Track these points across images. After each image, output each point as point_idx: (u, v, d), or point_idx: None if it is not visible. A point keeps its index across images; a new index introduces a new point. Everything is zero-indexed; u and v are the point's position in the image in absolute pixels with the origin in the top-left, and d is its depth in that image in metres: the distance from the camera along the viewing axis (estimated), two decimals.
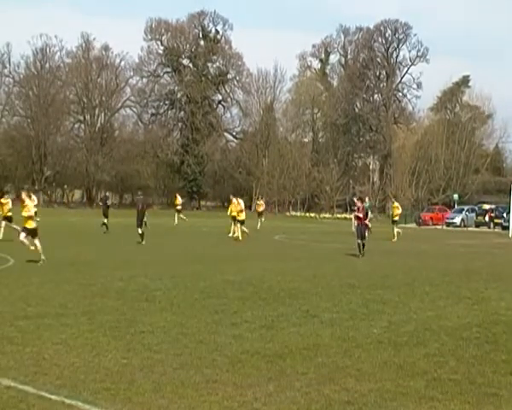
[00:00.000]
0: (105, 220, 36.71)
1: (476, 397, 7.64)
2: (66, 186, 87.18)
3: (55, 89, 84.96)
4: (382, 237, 36.84)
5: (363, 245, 25.14)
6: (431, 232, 52.23)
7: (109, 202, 42.09)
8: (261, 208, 47.56)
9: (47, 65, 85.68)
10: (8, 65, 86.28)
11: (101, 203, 42.49)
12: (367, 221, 26.92)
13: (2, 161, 79.92)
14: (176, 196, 49.73)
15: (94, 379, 7.92)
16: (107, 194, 53.35)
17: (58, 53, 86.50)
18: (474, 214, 63.45)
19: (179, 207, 47.81)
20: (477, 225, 60.75)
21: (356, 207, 27.15)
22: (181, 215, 46.58)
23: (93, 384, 7.72)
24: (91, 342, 9.71)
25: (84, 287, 15.07)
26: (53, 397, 7.21)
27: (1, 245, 24.95)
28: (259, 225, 43.06)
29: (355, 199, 30.79)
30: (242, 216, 33.19)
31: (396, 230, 37.18)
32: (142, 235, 28.66)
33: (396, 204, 39.42)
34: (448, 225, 62.36)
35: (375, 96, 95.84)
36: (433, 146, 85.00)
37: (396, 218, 38.22)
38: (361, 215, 25.97)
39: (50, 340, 9.78)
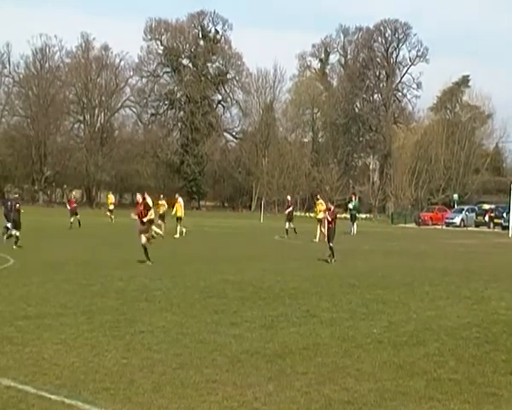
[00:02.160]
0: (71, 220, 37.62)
1: (476, 397, 7.64)
2: (65, 186, 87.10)
3: (55, 89, 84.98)
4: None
5: (332, 249, 22.87)
6: (431, 232, 52.23)
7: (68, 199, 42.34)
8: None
9: (47, 65, 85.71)
10: (7, 65, 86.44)
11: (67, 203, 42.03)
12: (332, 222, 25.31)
13: (2, 161, 79.93)
14: (109, 196, 48.04)
15: (94, 379, 7.91)
16: (74, 193, 51.68)
17: (58, 53, 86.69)
18: (473, 214, 63.41)
19: (111, 207, 46.71)
20: (477, 225, 60.72)
21: (327, 210, 24.36)
22: (112, 216, 45.38)
23: (93, 384, 7.71)
24: (91, 342, 9.70)
25: (84, 287, 15.07)
26: (53, 397, 7.21)
27: (1, 245, 24.92)
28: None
29: (320, 200, 28.87)
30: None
31: (318, 230, 32.63)
32: (16, 238, 24.80)
33: (320, 201, 34.79)
34: (448, 224, 62.34)
35: (375, 95, 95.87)
36: (433, 146, 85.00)
37: (320, 216, 32.73)
38: (330, 218, 23.38)
39: (50, 340, 9.78)
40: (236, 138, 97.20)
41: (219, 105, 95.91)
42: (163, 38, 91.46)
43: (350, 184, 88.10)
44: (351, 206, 42.69)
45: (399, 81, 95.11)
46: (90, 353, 9.12)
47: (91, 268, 18.66)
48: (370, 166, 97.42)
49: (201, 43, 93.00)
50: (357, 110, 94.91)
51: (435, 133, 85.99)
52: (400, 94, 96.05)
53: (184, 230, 33.95)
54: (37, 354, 8.99)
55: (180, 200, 35.66)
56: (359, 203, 46.27)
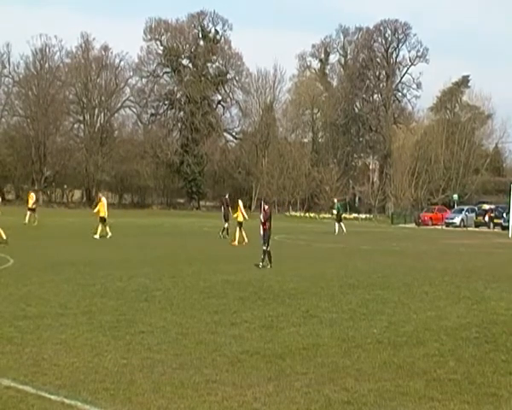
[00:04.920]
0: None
1: (476, 397, 7.64)
2: (65, 186, 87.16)
3: (55, 89, 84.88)
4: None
5: (269, 253, 20.95)
6: (430, 232, 52.25)
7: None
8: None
9: (46, 65, 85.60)
10: (7, 65, 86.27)
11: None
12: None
13: (2, 161, 79.87)
14: (30, 195, 43.24)
15: (93, 379, 7.92)
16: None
17: (58, 53, 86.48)
18: (473, 214, 63.40)
19: (34, 207, 41.78)
20: (477, 226, 60.70)
21: (262, 211, 22.11)
22: (35, 215, 40.97)
23: (92, 384, 7.72)
24: (91, 343, 9.71)
25: (84, 287, 15.08)
26: (52, 397, 7.23)
27: (0, 245, 24.93)
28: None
29: (262, 202, 25.62)
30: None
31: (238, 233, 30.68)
32: None
33: (240, 204, 32.25)
34: (448, 225, 62.33)
35: (375, 96, 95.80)
36: (433, 146, 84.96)
37: (240, 220, 30.89)
38: (263, 220, 21.63)
39: (50, 340, 9.79)
40: (236, 138, 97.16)
41: (219, 105, 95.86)
42: (163, 38, 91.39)
43: (350, 185, 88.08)
44: (335, 211, 44.28)
45: (399, 81, 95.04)
46: (89, 353, 9.13)
47: (91, 268, 18.66)
48: (370, 167, 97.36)
49: (201, 43, 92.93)
50: (356, 110, 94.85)
51: (435, 133, 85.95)
52: (400, 94, 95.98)
53: (109, 233, 31.34)
54: (37, 354, 9.00)
55: (103, 199, 33.40)
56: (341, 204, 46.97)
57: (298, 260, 24.22)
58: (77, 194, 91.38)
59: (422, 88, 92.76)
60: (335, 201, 46.15)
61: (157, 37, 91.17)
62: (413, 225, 64.93)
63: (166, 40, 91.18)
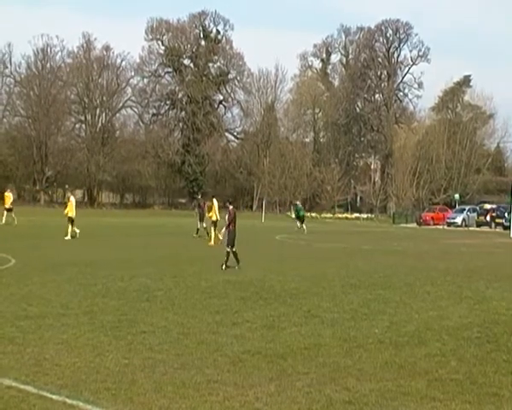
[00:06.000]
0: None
1: (477, 397, 7.64)
2: (67, 186, 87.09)
3: (56, 89, 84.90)
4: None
5: (235, 253, 20.25)
6: (432, 232, 52.23)
7: None
8: None
9: (48, 65, 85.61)
10: (9, 65, 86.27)
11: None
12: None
13: (4, 161, 79.84)
14: (7, 195, 41.53)
15: (95, 379, 7.93)
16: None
17: (59, 53, 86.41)
18: (475, 214, 63.40)
19: (10, 206, 40.24)
20: (478, 225, 60.69)
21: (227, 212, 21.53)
22: (12, 215, 39.52)
23: (94, 384, 7.73)
24: (92, 343, 9.72)
25: (86, 287, 15.09)
26: (54, 397, 7.23)
27: (1, 245, 24.96)
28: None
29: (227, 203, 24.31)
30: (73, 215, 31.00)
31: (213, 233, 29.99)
32: None
33: (215, 203, 30.80)
34: (449, 224, 62.32)
35: (377, 95, 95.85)
36: (435, 146, 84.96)
37: (214, 219, 29.92)
38: (227, 221, 21.06)
39: (51, 340, 9.79)
40: (238, 138, 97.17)
41: (221, 105, 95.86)
42: (164, 38, 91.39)
43: (351, 184, 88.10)
44: (295, 214, 44.87)
45: (401, 81, 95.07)
46: (91, 353, 9.13)
47: (92, 268, 18.67)
48: (372, 166, 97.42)
49: (203, 43, 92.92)
50: (358, 110, 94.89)
51: (437, 133, 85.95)
52: (401, 94, 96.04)
53: (78, 231, 30.55)
54: (39, 354, 9.01)
55: (72, 199, 32.17)
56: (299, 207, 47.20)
57: (299, 259, 24.22)
58: (78, 194, 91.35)
59: (424, 88, 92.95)
60: (298, 203, 46.63)
61: (158, 37, 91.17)
62: (414, 224, 64.92)
63: (168, 40, 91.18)
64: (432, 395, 7.67)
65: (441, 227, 61.35)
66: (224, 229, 22.52)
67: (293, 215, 44.45)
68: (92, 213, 67.18)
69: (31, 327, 10.63)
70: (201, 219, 33.80)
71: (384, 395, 7.61)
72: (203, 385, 7.81)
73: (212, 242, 28.93)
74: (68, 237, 29.95)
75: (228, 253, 20.11)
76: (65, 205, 33.12)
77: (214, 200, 31.23)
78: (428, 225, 63.63)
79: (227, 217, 21.37)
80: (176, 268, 19.48)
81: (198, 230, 33.67)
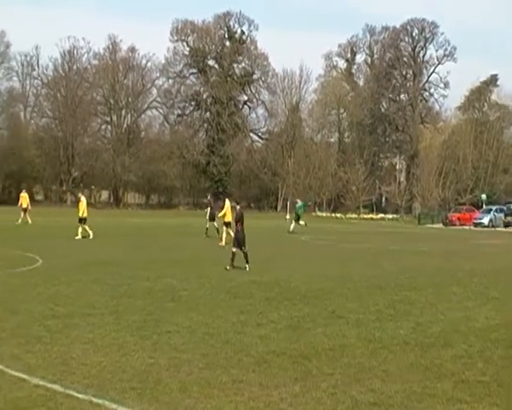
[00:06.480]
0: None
1: (505, 399, 7.56)
2: (93, 187, 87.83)
3: (83, 90, 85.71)
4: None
5: (245, 254, 19.67)
6: (458, 233, 51.78)
7: None
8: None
9: (74, 67, 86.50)
10: (36, 67, 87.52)
11: None
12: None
13: (31, 162, 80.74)
14: (23, 196, 41.16)
15: (121, 379, 7.97)
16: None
17: (85, 55, 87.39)
18: (502, 214, 62.73)
19: (25, 207, 40.11)
20: (505, 226, 60.06)
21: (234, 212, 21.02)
22: (27, 215, 39.46)
23: (120, 384, 7.77)
24: (118, 342, 9.78)
25: (112, 287, 15.18)
26: (80, 396, 7.29)
27: (30, 245, 25.23)
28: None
29: (234, 202, 24.46)
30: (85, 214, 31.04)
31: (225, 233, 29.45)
32: None
33: (227, 204, 30.50)
34: (476, 225, 61.72)
35: (402, 95, 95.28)
36: (461, 146, 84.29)
37: (227, 220, 29.47)
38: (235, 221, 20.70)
39: (78, 339, 9.87)
40: (262, 139, 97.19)
41: (245, 106, 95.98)
42: (189, 39, 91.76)
43: (376, 185, 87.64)
44: (297, 211, 42.51)
45: (426, 81, 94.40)
46: (117, 352, 9.19)
47: (119, 268, 18.78)
48: (397, 167, 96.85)
49: (227, 43, 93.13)
50: (383, 110, 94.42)
51: (463, 133, 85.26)
52: (427, 93, 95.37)
53: (91, 233, 30.40)
54: (66, 353, 9.08)
55: (83, 199, 31.91)
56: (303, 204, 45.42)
57: (324, 260, 24.16)
58: (104, 194, 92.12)
59: (450, 87, 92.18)
60: (298, 201, 45.12)
61: (183, 38, 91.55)
62: (440, 225, 64.41)
63: (193, 41, 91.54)
64: (458, 397, 7.60)
65: (468, 228, 60.79)
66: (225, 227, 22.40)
67: (298, 211, 42.18)
68: (118, 213, 67.65)
69: (58, 326, 10.73)
70: (212, 219, 33.82)
71: (410, 396, 7.56)
72: (228, 385, 7.83)
73: (223, 242, 28.65)
74: (79, 236, 29.96)
75: (233, 253, 19.68)
76: (76, 205, 33.18)
77: (227, 200, 31.01)
78: (455, 225, 63.08)
79: (234, 217, 20.97)
80: (201, 268, 19.53)
81: (207, 229, 33.63)
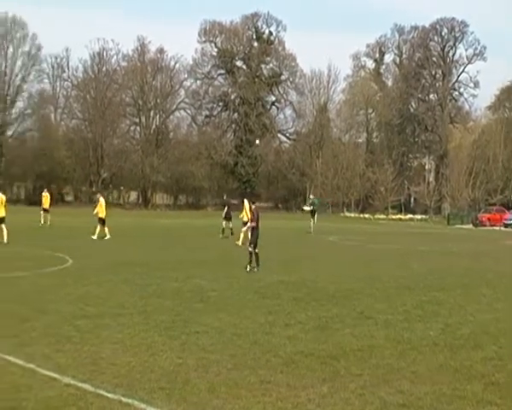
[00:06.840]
0: None
1: None
2: (122, 188, 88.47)
3: (112, 92, 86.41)
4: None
5: (256, 254, 19.73)
6: (488, 233, 51.23)
7: None
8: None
9: (104, 68, 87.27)
10: (66, 69, 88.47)
11: None
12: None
13: (61, 164, 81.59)
14: (45, 196, 40.88)
15: (149, 379, 8.03)
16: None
17: (115, 56, 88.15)
18: None
19: (47, 207, 40.07)
20: None
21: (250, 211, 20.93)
22: (48, 216, 39.29)
23: (149, 384, 7.83)
24: (147, 342, 9.84)
25: (141, 287, 15.28)
26: (110, 396, 7.36)
27: (60, 245, 25.49)
28: None
29: (249, 201, 24.21)
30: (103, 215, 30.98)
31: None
32: None
33: (246, 204, 29.28)
34: (506, 226, 61.00)
35: (431, 95, 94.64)
36: (491, 145, 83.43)
37: (245, 220, 28.56)
38: (246, 219, 20.23)
39: (108, 339, 9.96)
40: (290, 139, 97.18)
41: (273, 106, 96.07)
42: (217, 40, 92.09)
43: (405, 185, 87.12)
44: (307, 208, 41.88)
45: (456, 80, 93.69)
46: (146, 352, 9.26)
47: (148, 269, 18.90)
48: (426, 167, 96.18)
49: (255, 44, 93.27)
50: (412, 110, 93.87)
51: (493, 132, 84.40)
52: (457, 93, 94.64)
53: (108, 235, 30.10)
54: (96, 353, 9.17)
55: (101, 200, 31.65)
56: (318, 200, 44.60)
57: (353, 261, 24.08)
58: (133, 195, 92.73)
59: (480, 86, 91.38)
60: (311, 196, 44.38)
61: (211, 39, 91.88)
62: (470, 226, 63.78)
63: (221, 42, 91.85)
64: (488, 399, 7.54)
65: (498, 228, 60.13)
66: (245, 227, 22.58)
67: (308, 208, 41.73)
68: (146, 214, 68.06)
69: (88, 326, 10.83)
70: (228, 219, 33.83)
71: (439, 398, 7.51)
72: (256, 386, 7.84)
73: (240, 242, 28.65)
74: (95, 236, 29.77)
75: (251, 253, 19.72)
76: (94, 206, 33.16)
77: (245, 200, 30.33)
78: (485, 226, 62.43)
79: (250, 216, 20.91)
80: (229, 269, 19.57)
81: (223, 230, 33.69)
